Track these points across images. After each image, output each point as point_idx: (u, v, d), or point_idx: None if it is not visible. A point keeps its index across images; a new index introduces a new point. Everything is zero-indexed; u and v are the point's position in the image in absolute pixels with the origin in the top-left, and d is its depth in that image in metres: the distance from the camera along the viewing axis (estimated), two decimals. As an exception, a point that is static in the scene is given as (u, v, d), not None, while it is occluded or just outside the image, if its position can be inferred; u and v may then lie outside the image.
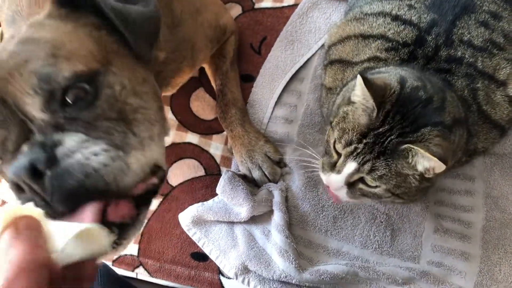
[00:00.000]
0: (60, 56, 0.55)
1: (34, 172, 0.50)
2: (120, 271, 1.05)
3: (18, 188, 0.52)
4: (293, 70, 1.17)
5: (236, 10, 1.26)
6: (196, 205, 1.04)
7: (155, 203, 1.10)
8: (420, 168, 0.71)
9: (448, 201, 1.02)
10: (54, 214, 0.50)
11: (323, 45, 1.17)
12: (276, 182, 1.08)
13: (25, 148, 0.52)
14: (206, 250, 1.03)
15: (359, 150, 0.73)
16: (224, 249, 1.02)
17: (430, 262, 0.98)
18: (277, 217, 1.01)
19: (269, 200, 1.04)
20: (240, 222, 1.04)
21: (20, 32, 0.59)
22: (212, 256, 1.02)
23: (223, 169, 1.12)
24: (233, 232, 1.04)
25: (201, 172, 1.12)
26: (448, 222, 1.01)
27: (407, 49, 0.86)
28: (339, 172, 0.77)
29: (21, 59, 0.54)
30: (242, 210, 1.01)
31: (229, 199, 1.01)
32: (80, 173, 0.51)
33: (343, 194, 0.80)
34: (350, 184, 0.78)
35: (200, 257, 1.05)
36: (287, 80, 1.16)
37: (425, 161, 0.69)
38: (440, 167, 0.68)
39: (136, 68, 0.64)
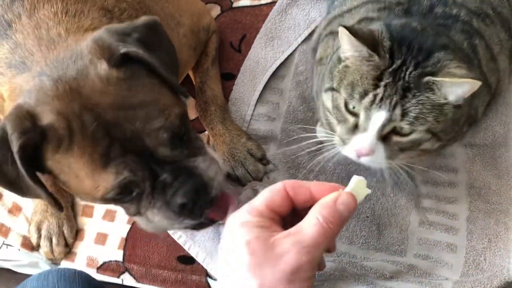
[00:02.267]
0: (165, 110, 0.68)
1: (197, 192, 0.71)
2: (105, 278, 1.03)
3: (182, 208, 0.71)
4: (274, 67, 1.16)
5: (215, 10, 1.26)
6: (180, 207, 1.02)
7: (138, 207, 1.08)
8: (452, 98, 0.67)
9: (432, 194, 1.03)
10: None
11: (303, 42, 1.17)
12: (260, 180, 1.07)
13: (182, 177, 0.70)
14: (193, 253, 1.01)
15: (380, 95, 0.67)
16: (210, 251, 1.01)
17: (416, 255, 0.98)
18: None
19: (254, 199, 1.03)
20: (225, 224, 1.03)
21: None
22: (198, 259, 1.01)
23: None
24: (219, 233, 1.03)
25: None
26: (432, 214, 1.01)
27: (401, 6, 0.83)
28: (365, 130, 0.69)
29: (145, 119, 0.65)
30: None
31: (213, 200, 1.00)
32: (220, 184, 0.75)
33: (381, 156, 0.70)
34: (384, 140, 0.70)
35: (187, 260, 1.03)
36: (268, 77, 1.15)
37: (456, 88, 0.65)
38: (474, 85, 0.64)
39: None
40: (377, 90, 0.67)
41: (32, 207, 1.06)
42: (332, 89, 0.75)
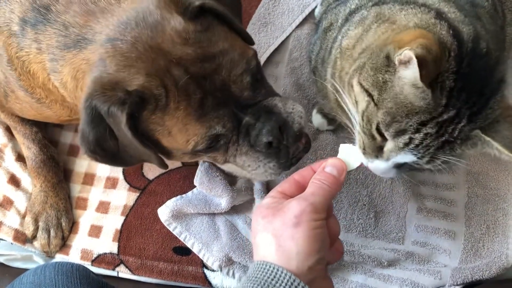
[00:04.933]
0: (243, 54, 0.68)
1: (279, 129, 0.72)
2: (100, 271, 1.02)
3: (268, 147, 0.72)
4: (268, 53, 1.14)
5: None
6: (174, 198, 1.01)
7: (132, 198, 1.06)
8: (484, 150, 0.61)
9: (429, 180, 1.02)
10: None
11: (297, 27, 1.15)
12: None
13: (262, 117, 0.71)
14: (188, 244, 1.00)
15: (417, 142, 0.59)
16: (206, 242, 1.00)
17: (414, 242, 0.98)
18: (259, 205, 0.99)
19: (249, 188, 1.02)
20: (221, 213, 1.02)
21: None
22: (194, 250, 1.00)
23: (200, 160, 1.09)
24: (215, 223, 1.02)
25: (177, 163, 1.09)
26: (430, 201, 1.00)
27: None
28: (387, 160, 0.64)
29: (230, 67, 0.66)
30: (222, 200, 0.99)
31: (207, 190, 0.99)
32: (301, 122, 0.75)
33: (387, 175, 0.69)
34: (399, 166, 0.66)
35: (183, 251, 1.02)
36: (262, 63, 1.13)
37: (496, 152, 0.59)
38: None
39: None
40: (416, 135, 0.58)
41: (29, 199, 1.05)
42: (369, 95, 0.63)
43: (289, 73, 1.11)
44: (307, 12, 1.16)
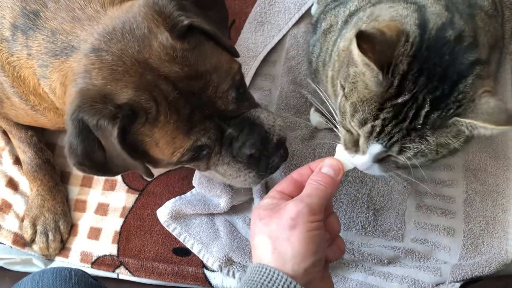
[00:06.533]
0: (229, 70, 0.70)
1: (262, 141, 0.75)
2: (100, 273, 1.02)
3: (250, 158, 0.75)
4: (265, 52, 1.14)
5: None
6: (173, 199, 1.01)
7: (131, 200, 1.06)
8: (473, 133, 0.58)
9: (428, 177, 1.02)
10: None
11: (294, 26, 1.15)
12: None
13: (245, 130, 0.73)
14: (188, 245, 1.00)
15: (378, 129, 0.59)
16: (206, 242, 1.00)
17: (414, 239, 0.98)
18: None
19: (249, 188, 1.01)
20: (220, 213, 1.02)
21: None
22: (194, 250, 1.00)
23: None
24: (214, 224, 1.02)
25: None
26: (429, 198, 1.00)
27: None
28: (363, 153, 0.65)
29: (216, 84, 0.67)
30: (221, 201, 0.99)
31: (206, 191, 0.98)
32: (280, 134, 0.78)
33: (374, 171, 0.69)
34: (380, 160, 0.66)
35: (183, 252, 1.02)
36: (259, 62, 1.13)
37: (482, 130, 0.57)
38: (502, 130, 0.55)
39: None
40: (376, 121, 0.59)
41: (27, 202, 1.05)
42: (343, 89, 0.65)
43: (286, 72, 1.11)
44: (303, 10, 1.16)
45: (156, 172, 1.07)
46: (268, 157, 0.78)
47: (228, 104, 0.70)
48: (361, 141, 0.64)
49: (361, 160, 0.66)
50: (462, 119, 0.57)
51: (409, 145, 0.59)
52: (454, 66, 0.58)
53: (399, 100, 0.57)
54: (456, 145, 0.60)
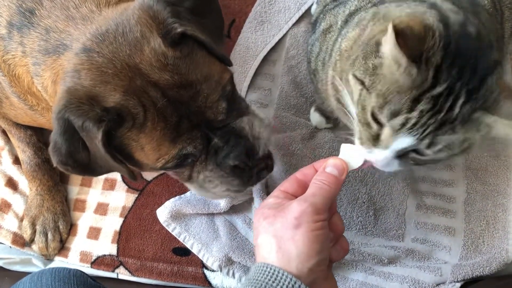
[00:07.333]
0: (220, 80, 0.69)
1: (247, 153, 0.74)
2: (100, 273, 1.02)
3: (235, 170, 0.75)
4: (265, 52, 1.14)
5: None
6: (173, 199, 1.01)
7: (130, 199, 1.06)
8: (497, 132, 0.59)
9: (428, 177, 1.02)
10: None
11: (294, 25, 1.15)
12: None
13: (231, 141, 0.73)
14: (188, 245, 1.00)
15: (413, 121, 0.58)
16: (206, 242, 0.99)
17: (414, 239, 0.97)
18: (258, 205, 0.98)
19: (248, 188, 1.01)
20: (220, 213, 1.01)
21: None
22: (194, 250, 1.00)
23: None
24: (214, 223, 1.02)
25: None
26: (429, 198, 1.00)
27: None
28: (386, 147, 0.62)
29: (206, 95, 0.67)
30: (221, 200, 0.98)
31: (207, 191, 0.98)
32: (266, 147, 0.78)
33: (394, 167, 0.66)
34: (400, 156, 0.64)
35: (182, 251, 1.02)
36: (259, 62, 1.13)
37: (501, 130, 0.58)
38: None
39: None
40: (412, 113, 0.57)
41: (26, 202, 1.04)
42: (362, 83, 0.64)
43: (286, 72, 1.11)
44: (303, 10, 1.16)
45: (156, 171, 1.07)
46: (251, 168, 0.77)
47: (217, 114, 0.69)
48: (386, 134, 0.61)
49: (382, 155, 0.63)
50: (489, 114, 0.57)
51: (441, 136, 0.59)
52: (482, 62, 0.58)
53: (438, 90, 0.56)
54: (475, 141, 0.61)
